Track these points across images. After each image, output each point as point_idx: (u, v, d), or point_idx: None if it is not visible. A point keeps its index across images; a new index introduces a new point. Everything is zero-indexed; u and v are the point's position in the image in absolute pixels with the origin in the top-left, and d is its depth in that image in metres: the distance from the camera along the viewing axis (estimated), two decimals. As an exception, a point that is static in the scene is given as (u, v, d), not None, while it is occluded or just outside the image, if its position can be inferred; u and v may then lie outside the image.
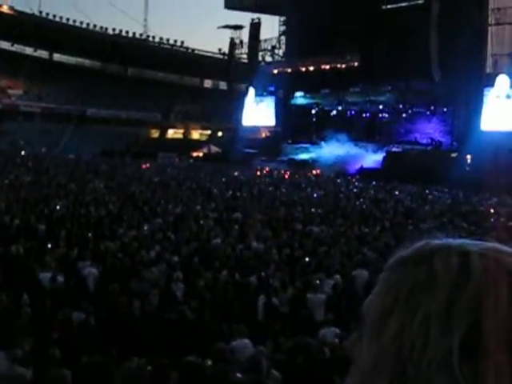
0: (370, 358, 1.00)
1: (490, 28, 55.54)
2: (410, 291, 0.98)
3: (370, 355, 1.00)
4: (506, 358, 0.88)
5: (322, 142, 64.65)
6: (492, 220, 28.11)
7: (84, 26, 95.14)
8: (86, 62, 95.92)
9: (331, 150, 61.68)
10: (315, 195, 37.02)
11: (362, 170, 57.08)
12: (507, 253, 1.01)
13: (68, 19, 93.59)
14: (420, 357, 0.92)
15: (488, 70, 56.13)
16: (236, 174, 51.10)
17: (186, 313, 12.08)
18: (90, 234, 19.64)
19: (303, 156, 66.30)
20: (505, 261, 0.98)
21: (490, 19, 55.47)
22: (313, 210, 29.31)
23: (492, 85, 54.68)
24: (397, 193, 40.61)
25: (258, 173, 55.74)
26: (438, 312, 0.94)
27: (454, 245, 1.02)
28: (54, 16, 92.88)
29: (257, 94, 78.04)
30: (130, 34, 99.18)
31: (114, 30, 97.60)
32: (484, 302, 0.92)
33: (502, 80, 53.92)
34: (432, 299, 0.95)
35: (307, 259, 17.27)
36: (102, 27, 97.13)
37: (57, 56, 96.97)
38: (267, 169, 58.92)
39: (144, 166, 55.01)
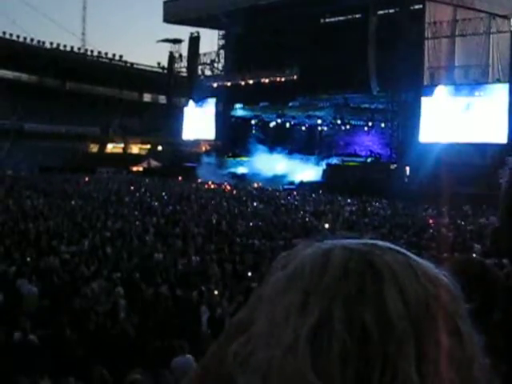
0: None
1: (426, 41, 56.21)
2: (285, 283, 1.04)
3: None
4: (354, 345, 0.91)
5: (262, 155, 64.60)
6: (431, 231, 28.39)
7: (21, 39, 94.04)
8: (23, 76, 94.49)
9: (271, 162, 61.71)
10: (256, 208, 37.00)
11: (302, 183, 57.25)
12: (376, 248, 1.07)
13: (4, 33, 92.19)
14: (277, 341, 0.96)
15: (425, 83, 56.76)
16: (176, 188, 50.84)
17: (128, 329, 11.96)
18: (29, 251, 19.28)
19: (243, 169, 66.29)
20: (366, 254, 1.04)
21: (426, 33, 56.15)
22: (253, 223, 29.30)
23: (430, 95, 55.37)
24: (337, 205, 40.79)
25: (199, 186, 55.60)
26: (297, 301, 0.98)
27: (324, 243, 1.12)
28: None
29: (197, 106, 77.69)
30: (68, 48, 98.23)
31: (51, 43, 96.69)
32: (336, 294, 0.96)
33: (440, 91, 54.58)
34: (295, 290, 1.00)
35: (249, 274, 17.22)
36: (39, 41, 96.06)
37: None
38: (208, 183, 58.76)
39: (84, 181, 54.55)
